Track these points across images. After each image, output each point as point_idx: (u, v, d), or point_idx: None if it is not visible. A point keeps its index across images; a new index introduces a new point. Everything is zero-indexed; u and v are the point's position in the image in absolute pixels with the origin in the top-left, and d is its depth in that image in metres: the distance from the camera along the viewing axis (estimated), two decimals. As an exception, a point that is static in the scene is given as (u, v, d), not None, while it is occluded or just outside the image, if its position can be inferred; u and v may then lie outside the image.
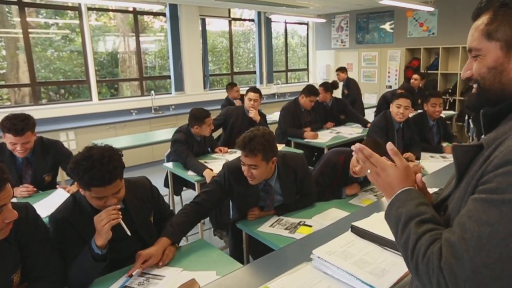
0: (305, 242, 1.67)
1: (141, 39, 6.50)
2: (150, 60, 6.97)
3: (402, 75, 7.57)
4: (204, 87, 7.30)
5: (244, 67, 8.41)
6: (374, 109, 6.78)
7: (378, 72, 8.04)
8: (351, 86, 6.77)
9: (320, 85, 4.87)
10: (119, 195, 1.59)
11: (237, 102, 5.70)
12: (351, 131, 4.59)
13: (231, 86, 5.90)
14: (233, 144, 3.90)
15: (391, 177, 0.91)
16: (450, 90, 6.98)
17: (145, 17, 6.68)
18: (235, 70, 8.06)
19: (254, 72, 8.37)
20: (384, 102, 5.64)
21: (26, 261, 1.42)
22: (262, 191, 2.13)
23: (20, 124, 2.38)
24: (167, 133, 4.47)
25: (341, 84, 6.68)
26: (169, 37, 6.65)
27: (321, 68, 9.30)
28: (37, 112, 5.34)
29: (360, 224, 1.51)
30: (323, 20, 8.12)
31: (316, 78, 9.44)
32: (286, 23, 8.88)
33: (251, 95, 3.98)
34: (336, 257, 1.32)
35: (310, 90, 4.41)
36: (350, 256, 1.32)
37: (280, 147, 3.33)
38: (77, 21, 5.77)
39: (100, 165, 1.45)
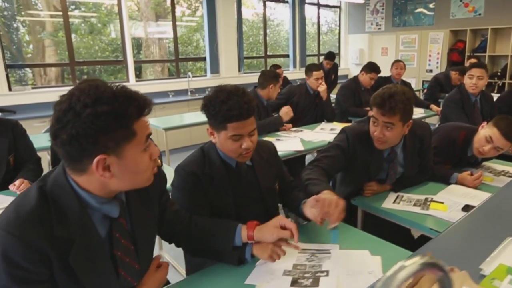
0: (473, 218, 1.43)
1: (162, 24, 6.21)
2: (172, 46, 6.67)
3: (445, 58, 7.22)
4: (239, 70, 7.04)
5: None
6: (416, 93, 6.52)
7: (418, 56, 7.68)
8: (337, 72, 6.96)
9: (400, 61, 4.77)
10: (254, 138, 1.41)
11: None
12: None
13: (274, 68, 5.54)
14: (297, 122, 3.66)
15: None
16: (499, 73, 6.63)
17: (168, 3, 6.32)
18: (255, 55, 7.79)
19: (288, 56, 8.07)
20: (436, 84, 5.36)
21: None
22: (385, 160, 1.88)
23: None
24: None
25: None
26: (205, 17, 6.37)
27: (353, 52, 8.97)
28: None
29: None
30: (361, 1, 7.77)
31: (348, 63, 9.15)
32: (319, 5, 8.56)
33: (316, 74, 3.65)
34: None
35: (371, 67, 4.15)
36: None
37: (342, 125, 3.05)
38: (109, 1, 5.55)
39: (237, 96, 1.33)
